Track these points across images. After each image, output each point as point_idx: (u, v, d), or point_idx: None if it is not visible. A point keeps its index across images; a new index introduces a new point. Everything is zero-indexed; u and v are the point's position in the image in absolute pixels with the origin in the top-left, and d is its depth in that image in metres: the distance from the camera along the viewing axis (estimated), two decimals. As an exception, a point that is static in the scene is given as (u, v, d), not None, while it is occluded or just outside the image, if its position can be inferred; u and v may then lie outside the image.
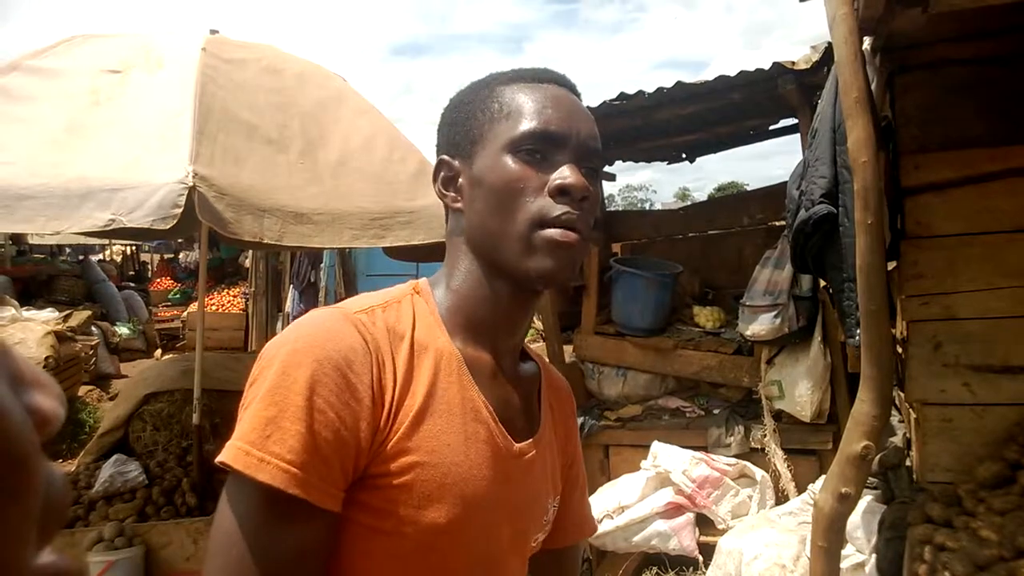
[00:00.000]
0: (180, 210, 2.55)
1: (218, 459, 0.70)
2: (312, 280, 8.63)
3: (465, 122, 0.88)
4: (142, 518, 3.47)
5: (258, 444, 0.69)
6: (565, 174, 0.81)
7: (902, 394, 3.11)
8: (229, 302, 10.25)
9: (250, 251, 8.67)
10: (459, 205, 0.88)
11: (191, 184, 2.60)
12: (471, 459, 0.81)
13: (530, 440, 0.90)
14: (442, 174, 0.90)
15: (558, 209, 0.81)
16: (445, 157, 0.89)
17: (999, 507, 2.24)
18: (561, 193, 0.81)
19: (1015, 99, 2.55)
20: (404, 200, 3.31)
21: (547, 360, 1.05)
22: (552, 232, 0.81)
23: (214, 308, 9.90)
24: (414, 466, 0.76)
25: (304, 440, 0.69)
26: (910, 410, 2.90)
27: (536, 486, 0.92)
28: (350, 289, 8.51)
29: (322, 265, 8.61)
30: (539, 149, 0.83)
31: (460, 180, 0.88)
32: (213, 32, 3.66)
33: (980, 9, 2.00)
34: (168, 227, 2.57)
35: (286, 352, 0.73)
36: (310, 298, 8.66)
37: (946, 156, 2.59)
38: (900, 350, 2.91)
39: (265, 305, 8.72)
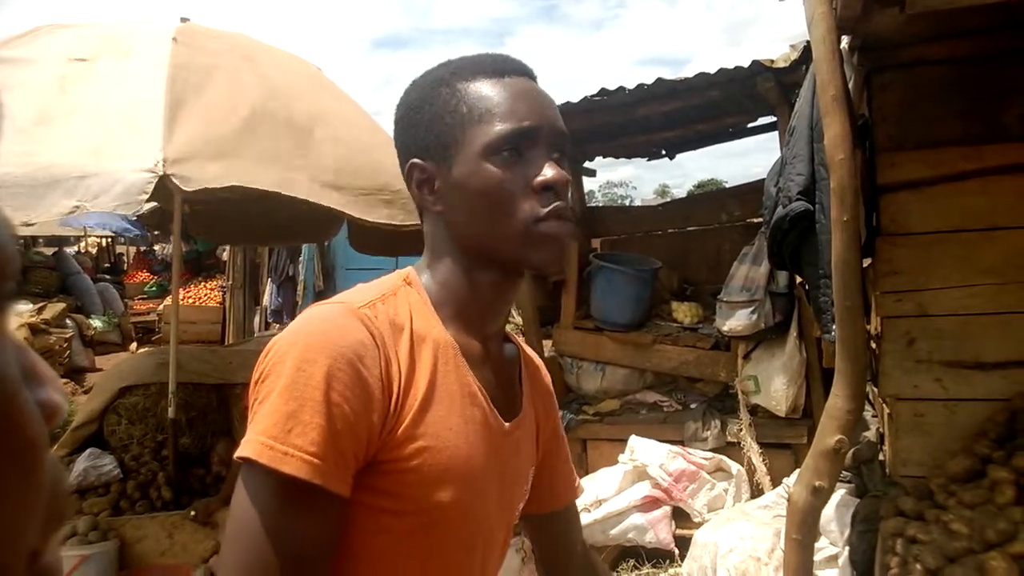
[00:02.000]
0: (147, 196, 2.51)
1: (239, 454, 0.73)
2: (290, 274, 8.57)
3: (431, 125, 0.88)
4: (116, 512, 3.44)
5: (280, 438, 0.72)
6: (546, 173, 0.85)
7: (876, 389, 3.15)
8: (206, 295, 10.15)
9: (228, 244, 8.59)
10: (439, 208, 0.89)
11: (161, 172, 2.56)
12: (470, 441, 0.85)
13: (516, 419, 0.94)
14: (415, 177, 0.90)
15: (547, 206, 0.85)
16: (417, 160, 0.90)
17: (969, 501, 2.27)
18: (546, 189, 0.85)
19: (990, 99, 2.59)
20: (392, 179, 3.26)
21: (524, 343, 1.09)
22: (548, 226, 0.85)
23: (191, 301, 9.80)
24: (422, 451, 0.80)
25: (324, 432, 0.73)
26: (883, 405, 2.94)
27: (521, 461, 0.97)
28: (328, 282, 8.45)
29: (300, 259, 8.55)
30: (515, 147, 0.85)
31: (436, 183, 0.89)
32: (184, 20, 3.57)
33: (956, 10, 2.02)
34: (133, 212, 2.52)
35: (300, 348, 0.76)
36: (288, 292, 8.60)
37: (922, 154, 2.62)
38: (874, 346, 2.94)
39: (242, 299, 8.66)
